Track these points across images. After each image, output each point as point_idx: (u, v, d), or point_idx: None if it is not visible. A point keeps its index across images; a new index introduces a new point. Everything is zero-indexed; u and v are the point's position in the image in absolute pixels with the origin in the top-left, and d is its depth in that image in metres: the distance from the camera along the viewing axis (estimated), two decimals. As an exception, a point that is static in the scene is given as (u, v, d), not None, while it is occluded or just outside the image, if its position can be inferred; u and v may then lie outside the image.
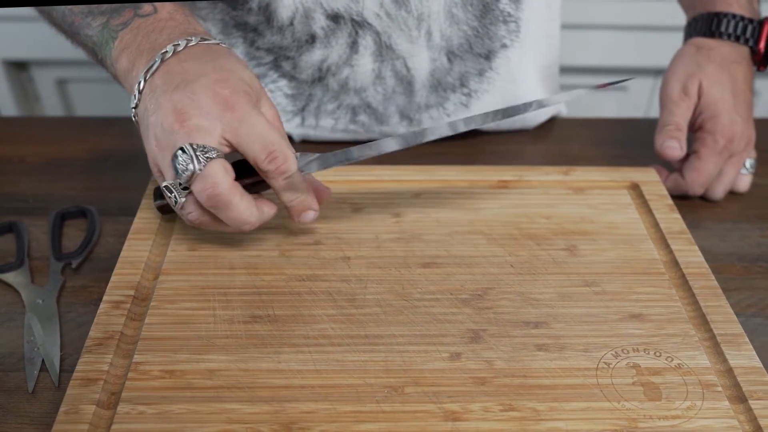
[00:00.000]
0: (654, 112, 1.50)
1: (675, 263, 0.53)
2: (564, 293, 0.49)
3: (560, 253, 0.53)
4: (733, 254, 0.59)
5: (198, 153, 0.44)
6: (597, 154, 0.72)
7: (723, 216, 0.64)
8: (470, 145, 0.72)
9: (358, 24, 0.63)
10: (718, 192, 0.64)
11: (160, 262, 0.51)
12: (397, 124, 0.70)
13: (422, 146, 0.72)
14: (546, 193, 0.58)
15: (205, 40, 0.49)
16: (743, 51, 0.64)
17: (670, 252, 0.53)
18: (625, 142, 0.74)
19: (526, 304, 0.48)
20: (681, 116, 0.62)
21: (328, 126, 0.70)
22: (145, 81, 0.48)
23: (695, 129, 0.64)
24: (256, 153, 0.46)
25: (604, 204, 0.58)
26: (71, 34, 0.56)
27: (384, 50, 0.65)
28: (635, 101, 1.48)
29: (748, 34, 0.63)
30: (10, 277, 0.55)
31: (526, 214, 0.56)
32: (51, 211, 0.61)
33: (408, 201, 0.57)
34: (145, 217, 0.54)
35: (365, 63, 0.66)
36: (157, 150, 0.47)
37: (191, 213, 0.47)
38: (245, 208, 0.46)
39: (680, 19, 1.31)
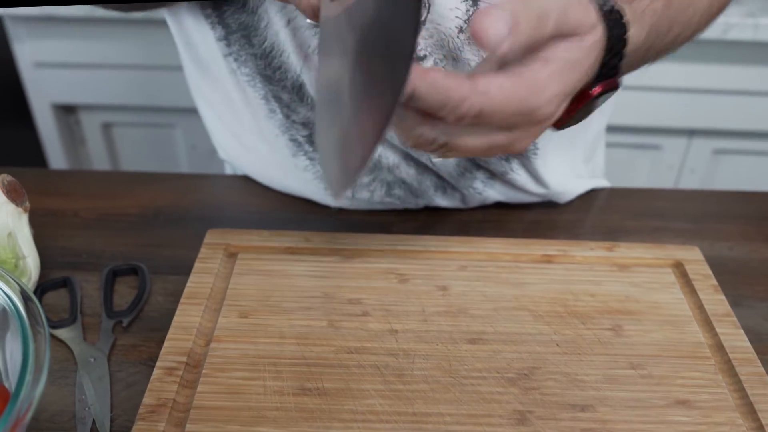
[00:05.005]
0: (687, 173, 1.50)
1: (720, 347, 0.53)
2: (610, 375, 0.49)
3: (606, 333, 0.53)
4: (776, 335, 0.59)
5: None
6: (637, 226, 0.72)
7: (765, 294, 0.64)
8: (510, 213, 0.73)
9: None
10: None
11: (211, 328, 0.52)
12: (433, 196, 0.71)
13: (466, 213, 0.74)
14: (590, 270, 0.59)
15: None
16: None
17: (716, 335, 0.54)
18: (665, 214, 0.74)
19: (572, 386, 0.48)
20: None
21: (364, 198, 0.71)
22: None
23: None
24: None
25: (649, 283, 0.58)
26: None
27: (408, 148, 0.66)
28: (669, 160, 1.48)
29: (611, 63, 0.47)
30: (63, 333, 0.56)
31: (571, 291, 0.57)
32: (103, 267, 0.63)
33: (454, 274, 0.58)
34: (198, 281, 0.56)
35: (394, 146, 0.67)
36: None
37: None
38: None
39: (713, 82, 1.33)
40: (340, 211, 0.72)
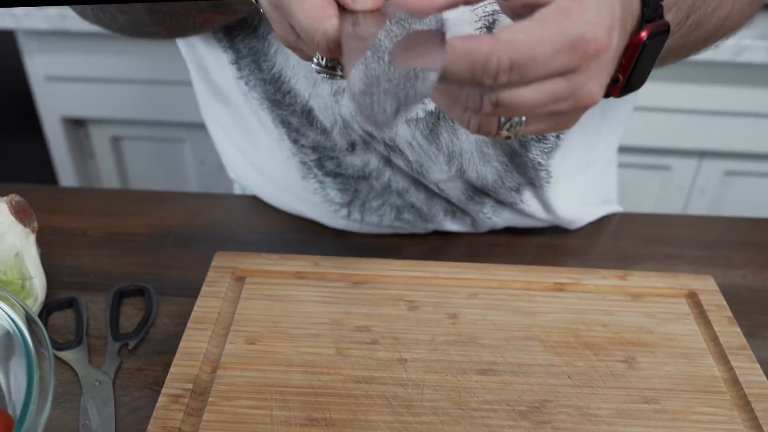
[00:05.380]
0: (697, 194, 1.49)
1: (736, 381, 0.52)
2: (623, 410, 0.48)
3: (618, 365, 0.52)
4: (792, 367, 0.58)
5: None
6: (649, 253, 0.71)
7: (780, 325, 0.63)
8: (520, 237, 0.73)
9: (390, 147, 0.63)
10: None
11: (218, 354, 0.51)
12: (442, 220, 0.70)
13: (476, 237, 0.73)
14: (603, 299, 0.58)
15: None
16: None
17: (731, 369, 0.53)
18: (677, 240, 0.74)
19: (584, 420, 0.47)
20: None
21: (373, 222, 0.70)
22: None
23: None
24: None
25: (662, 313, 0.57)
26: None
27: (416, 174, 0.65)
28: (679, 181, 1.47)
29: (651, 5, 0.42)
30: (68, 355, 0.56)
31: (583, 321, 0.56)
32: (110, 287, 0.62)
33: (464, 301, 0.57)
34: (205, 305, 0.55)
35: (403, 171, 0.66)
36: None
37: None
38: None
39: (724, 103, 1.32)
40: (349, 234, 0.72)
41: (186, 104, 1.31)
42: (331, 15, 0.35)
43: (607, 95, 0.40)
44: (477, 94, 0.35)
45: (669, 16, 0.42)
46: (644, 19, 0.40)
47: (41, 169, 1.60)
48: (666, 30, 0.41)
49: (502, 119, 0.37)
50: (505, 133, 0.38)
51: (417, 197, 0.68)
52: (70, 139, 1.43)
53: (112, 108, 1.39)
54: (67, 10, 1.19)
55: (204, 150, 1.45)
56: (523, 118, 0.37)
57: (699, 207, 1.50)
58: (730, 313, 0.58)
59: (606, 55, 0.36)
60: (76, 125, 1.44)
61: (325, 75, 0.39)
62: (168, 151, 1.48)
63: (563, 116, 0.38)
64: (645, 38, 0.40)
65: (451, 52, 0.33)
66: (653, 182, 1.49)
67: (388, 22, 0.36)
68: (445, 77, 0.34)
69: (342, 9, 0.37)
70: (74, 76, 1.34)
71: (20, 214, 0.57)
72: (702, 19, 0.50)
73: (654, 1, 0.40)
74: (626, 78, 0.40)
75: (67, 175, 1.48)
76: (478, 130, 0.37)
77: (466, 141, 0.62)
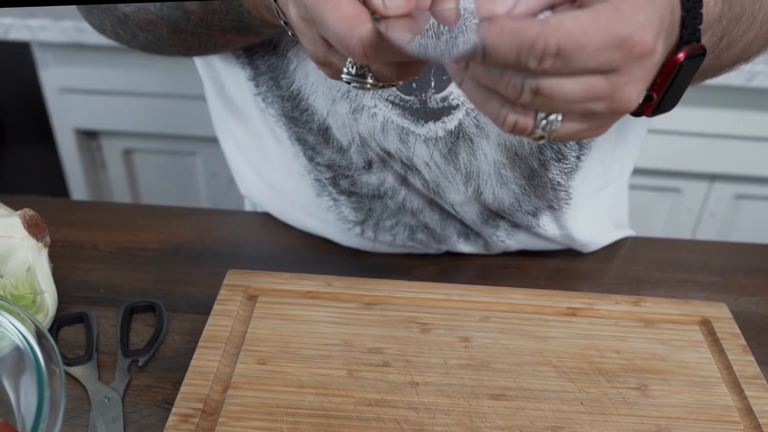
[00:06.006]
0: (707, 217, 1.49)
1: (750, 411, 0.51)
2: (636, 439, 0.48)
3: (631, 393, 0.52)
4: (806, 398, 0.57)
5: None
6: (662, 278, 0.71)
7: (794, 354, 0.62)
8: (533, 260, 0.72)
9: (407, 166, 0.63)
10: None
11: (229, 374, 0.51)
12: (456, 242, 0.70)
13: (488, 259, 0.73)
14: (616, 325, 0.58)
15: None
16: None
17: (745, 398, 0.52)
18: (690, 266, 0.73)
19: (597, 449, 0.47)
20: None
21: (386, 241, 0.70)
22: None
23: None
24: None
25: (675, 340, 0.57)
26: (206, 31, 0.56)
27: (432, 194, 0.65)
28: (689, 204, 1.47)
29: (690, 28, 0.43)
30: (78, 371, 0.56)
31: (596, 347, 0.55)
32: (120, 302, 0.62)
33: (477, 324, 0.57)
34: (216, 324, 0.55)
35: (418, 191, 0.66)
36: None
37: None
38: None
39: (736, 127, 1.32)
40: (361, 253, 0.72)
41: (198, 118, 1.32)
42: (365, 21, 0.35)
43: (639, 114, 0.40)
44: (518, 80, 0.35)
45: (705, 39, 0.41)
46: (683, 41, 0.40)
47: (53, 180, 1.61)
48: (702, 53, 0.41)
49: (539, 117, 0.36)
50: (539, 132, 0.37)
51: (431, 218, 0.68)
52: (82, 151, 1.44)
53: (124, 121, 1.40)
54: (83, 23, 1.20)
55: (215, 164, 1.45)
56: (559, 117, 0.37)
57: (709, 230, 1.50)
58: (743, 341, 0.57)
59: (649, 61, 0.36)
60: (89, 137, 1.45)
61: (355, 84, 0.40)
62: (179, 164, 1.48)
63: (598, 119, 0.37)
64: (682, 59, 0.39)
65: (499, 31, 0.32)
66: (664, 204, 1.49)
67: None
68: (490, 57, 0.33)
69: (373, 15, 0.37)
70: (88, 89, 1.35)
71: (33, 229, 0.57)
72: (732, 42, 0.50)
73: (693, 23, 0.40)
74: (660, 97, 0.40)
75: (78, 186, 1.49)
76: (513, 128, 0.37)
77: (485, 162, 0.62)
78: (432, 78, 0.59)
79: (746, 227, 1.48)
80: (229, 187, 1.48)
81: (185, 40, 0.58)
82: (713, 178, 1.43)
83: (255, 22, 0.53)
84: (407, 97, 0.59)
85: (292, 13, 0.40)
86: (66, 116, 1.39)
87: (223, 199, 1.51)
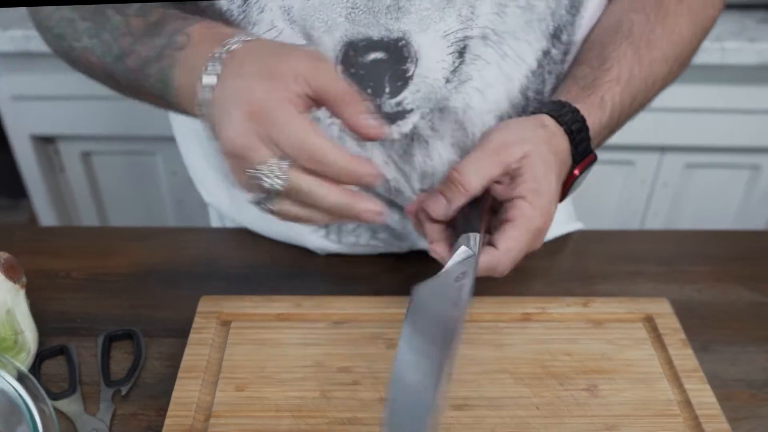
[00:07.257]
0: (660, 187, 1.55)
1: (688, 404, 0.56)
2: (587, 438, 0.53)
3: (582, 394, 0.56)
4: (741, 380, 0.62)
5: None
6: (612, 271, 0.75)
7: (732, 338, 0.67)
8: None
9: None
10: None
11: (210, 402, 0.54)
12: (417, 240, 0.74)
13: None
14: (567, 327, 0.62)
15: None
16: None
17: (684, 392, 0.57)
18: (638, 257, 0.77)
19: (552, 451, 0.51)
20: (483, 172, 0.55)
21: (350, 242, 0.73)
22: None
23: (503, 199, 0.57)
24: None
25: (621, 339, 0.61)
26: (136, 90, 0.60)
27: (393, 193, 0.68)
28: (642, 175, 1.53)
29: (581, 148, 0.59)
30: (64, 405, 0.58)
31: (549, 351, 0.60)
32: (98, 331, 0.64)
33: (438, 337, 0.60)
34: (194, 353, 0.58)
35: (377, 193, 0.69)
36: None
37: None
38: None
39: (679, 101, 1.37)
40: (330, 264, 0.75)
41: (155, 118, 1.31)
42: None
43: None
44: None
45: (596, 142, 0.61)
46: (575, 162, 0.59)
47: (11, 183, 1.59)
48: (594, 160, 0.60)
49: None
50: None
51: (392, 218, 0.71)
52: (39, 156, 1.43)
53: (80, 124, 1.39)
54: (31, 31, 1.19)
55: (175, 162, 1.46)
56: None
57: (662, 199, 1.55)
58: (683, 336, 0.62)
59: (546, 226, 0.56)
60: (45, 142, 1.44)
61: (261, 201, 0.50)
62: (139, 164, 1.49)
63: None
64: (578, 174, 0.60)
65: None
66: (618, 177, 1.54)
67: None
68: None
69: None
70: (41, 95, 1.34)
71: (9, 272, 0.59)
72: (624, 118, 0.66)
73: (583, 148, 0.59)
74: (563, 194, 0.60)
75: (38, 190, 1.48)
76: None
77: (439, 162, 0.66)
78: (386, 84, 0.61)
79: (698, 195, 1.54)
80: (191, 186, 1.48)
81: (116, 87, 0.62)
82: (664, 149, 1.48)
83: (172, 99, 0.56)
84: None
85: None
86: (21, 123, 1.38)
87: (186, 197, 1.51)
